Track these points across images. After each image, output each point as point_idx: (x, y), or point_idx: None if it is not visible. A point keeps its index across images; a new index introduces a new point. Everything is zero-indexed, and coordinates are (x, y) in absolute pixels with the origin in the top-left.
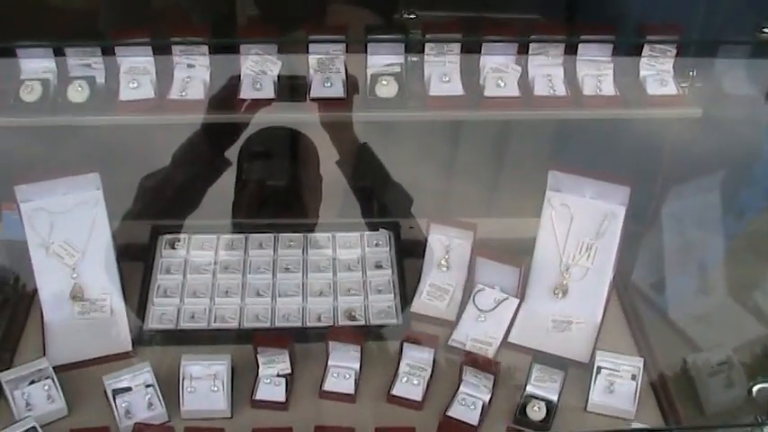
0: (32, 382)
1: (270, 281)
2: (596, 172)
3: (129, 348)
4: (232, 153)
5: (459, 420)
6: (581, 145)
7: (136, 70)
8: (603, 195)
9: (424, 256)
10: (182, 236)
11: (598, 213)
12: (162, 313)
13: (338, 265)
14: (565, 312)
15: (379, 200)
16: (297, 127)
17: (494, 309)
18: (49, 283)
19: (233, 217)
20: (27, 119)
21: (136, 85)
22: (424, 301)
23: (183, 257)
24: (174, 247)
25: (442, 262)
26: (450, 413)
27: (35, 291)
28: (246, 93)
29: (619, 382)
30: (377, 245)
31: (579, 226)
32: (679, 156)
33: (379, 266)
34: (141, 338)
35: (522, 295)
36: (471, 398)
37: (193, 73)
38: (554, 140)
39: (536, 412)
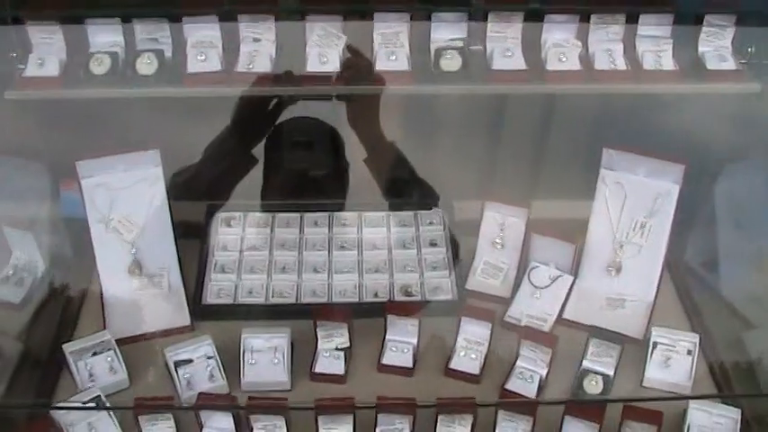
0: (95, 354)
1: (326, 258)
2: (650, 150)
3: (188, 322)
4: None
5: (518, 393)
6: (637, 122)
7: (203, 44)
8: (657, 173)
9: (478, 236)
10: (237, 214)
11: (651, 191)
12: (219, 288)
13: (393, 242)
14: (618, 290)
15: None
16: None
17: (548, 286)
18: (109, 258)
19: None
20: (97, 90)
21: (203, 57)
22: (479, 279)
23: (239, 235)
24: (230, 225)
25: (497, 240)
26: (508, 386)
27: (94, 267)
28: (313, 66)
29: (675, 358)
30: (430, 224)
31: (633, 204)
32: (735, 133)
33: (433, 244)
34: (200, 313)
35: (576, 273)
36: (529, 371)
37: (260, 47)
38: (610, 118)
39: (593, 386)
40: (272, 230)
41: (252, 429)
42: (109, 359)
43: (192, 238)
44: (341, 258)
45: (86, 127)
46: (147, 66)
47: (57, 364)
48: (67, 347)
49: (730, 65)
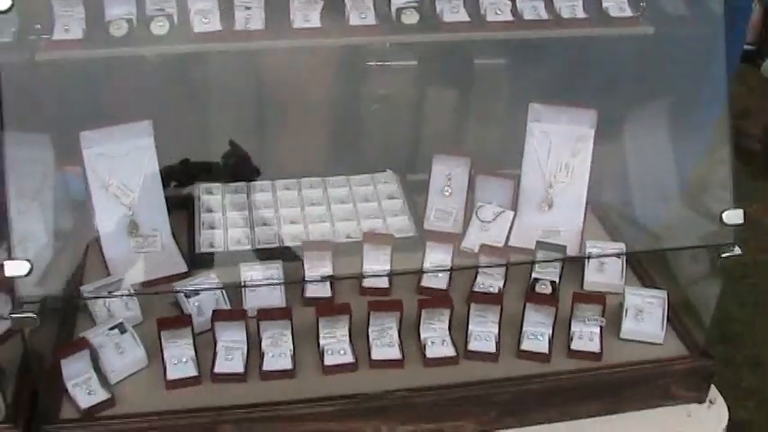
0: (110, 294)
1: (300, 213)
2: (569, 101)
3: (186, 269)
4: None
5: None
6: (558, 71)
7: (204, 11)
8: (576, 120)
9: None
10: (216, 184)
11: (572, 136)
12: (210, 241)
13: (355, 198)
14: (552, 221)
15: None
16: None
17: (494, 220)
18: (109, 220)
19: None
20: (118, 50)
21: (207, 20)
22: (432, 223)
23: (221, 200)
24: (211, 193)
25: (445, 189)
26: (475, 289)
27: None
28: (299, 24)
29: (608, 262)
30: (385, 182)
31: (557, 148)
32: (639, 76)
33: (390, 197)
34: (195, 261)
35: (515, 210)
36: (488, 283)
37: (251, 13)
38: (535, 67)
39: (544, 288)
40: (248, 196)
41: (261, 340)
42: (123, 297)
43: (178, 210)
44: (313, 212)
45: (91, 99)
46: (160, 27)
47: (72, 310)
48: (85, 288)
49: (628, 13)
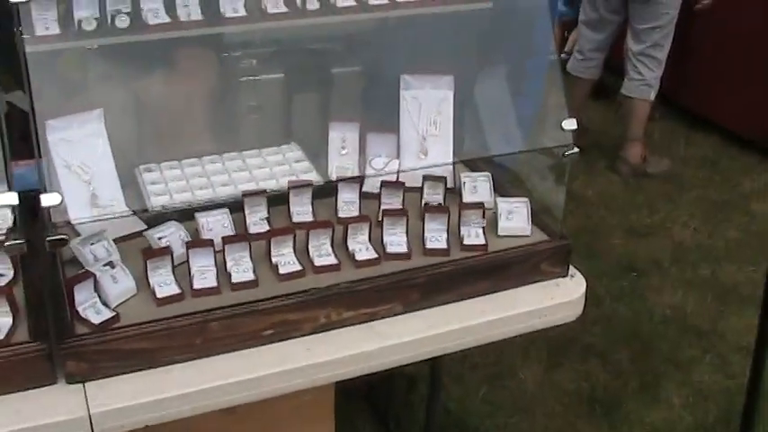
0: (92, 244)
1: (228, 178)
2: (431, 69)
3: (145, 226)
4: None
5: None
6: (417, 46)
7: (153, 9)
8: (438, 85)
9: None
10: (152, 164)
11: (436, 98)
12: (161, 204)
13: (270, 164)
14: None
15: None
16: None
17: (384, 167)
18: (74, 195)
19: None
20: (90, 41)
21: (156, 15)
22: (332, 179)
23: (162, 174)
24: (150, 171)
25: (342, 150)
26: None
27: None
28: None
29: (478, 185)
30: (291, 152)
31: (426, 108)
32: (483, 45)
33: (297, 161)
34: (150, 220)
35: (399, 159)
36: (389, 203)
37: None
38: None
39: (436, 204)
40: (182, 170)
41: (226, 262)
42: (104, 244)
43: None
44: (239, 177)
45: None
46: (122, 22)
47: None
48: (74, 241)
49: None
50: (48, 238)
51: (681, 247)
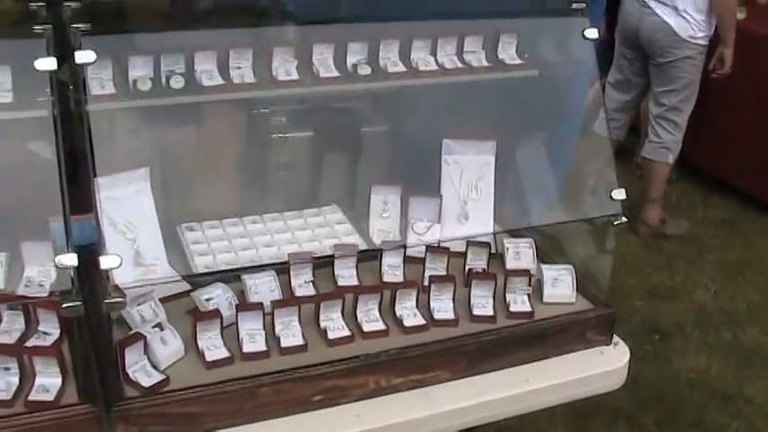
0: (139, 304)
1: (270, 239)
2: (473, 136)
3: (189, 287)
4: None
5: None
6: (463, 111)
7: (208, 71)
8: (479, 151)
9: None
10: (194, 223)
11: (478, 163)
12: (205, 265)
13: (311, 225)
14: (469, 231)
15: None
16: None
17: (426, 232)
18: (118, 252)
19: None
20: (145, 101)
21: (211, 77)
22: (374, 242)
23: (203, 234)
24: (192, 230)
25: (383, 213)
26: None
27: None
28: (281, 77)
29: (522, 251)
30: (332, 213)
31: (467, 173)
32: (527, 112)
33: (340, 223)
34: (194, 283)
35: (441, 223)
36: (434, 268)
37: (242, 71)
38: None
39: (481, 270)
40: (224, 229)
41: (274, 326)
42: (151, 305)
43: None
44: (281, 238)
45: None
46: (177, 82)
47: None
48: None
49: (518, 61)
50: (106, 301)
51: (703, 310)
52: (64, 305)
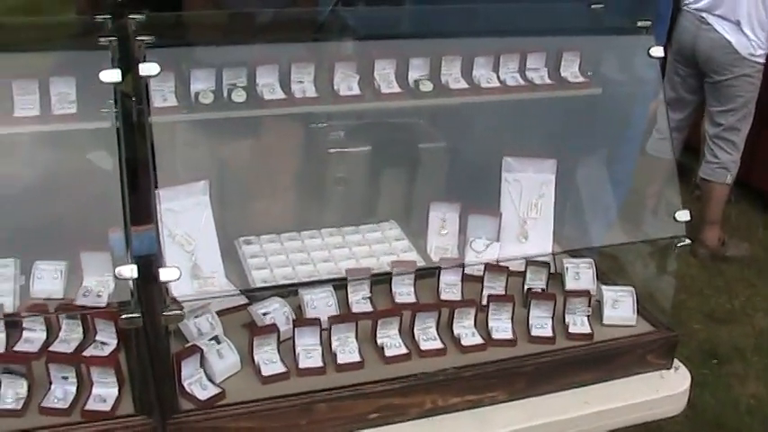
0: (197, 317)
1: (328, 254)
2: (533, 153)
3: (247, 301)
4: None
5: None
6: (523, 129)
7: (269, 84)
8: (539, 169)
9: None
10: (252, 237)
11: (538, 182)
12: (262, 279)
13: (369, 241)
14: (528, 250)
15: None
16: None
17: (485, 250)
18: (176, 264)
19: None
20: (206, 114)
21: (272, 91)
22: (432, 259)
23: (261, 249)
24: (250, 244)
25: (442, 230)
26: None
27: None
28: (344, 92)
29: (581, 272)
30: (390, 229)
31: (527, 192)
32: (588, 130)
33: (398, 239)
34: (252, 297)
35: (499, 241)
36: (492, 287)
37: (304, 86)
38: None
39: (540, 291)
40: (281, 243)
41: (330, 342)
42: (208, 318)
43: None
44: (338, 253)
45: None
46: (239, 96)
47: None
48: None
49: (581, 79)
50: (164, 313)
51: (763, 334)
52: (123, 316)
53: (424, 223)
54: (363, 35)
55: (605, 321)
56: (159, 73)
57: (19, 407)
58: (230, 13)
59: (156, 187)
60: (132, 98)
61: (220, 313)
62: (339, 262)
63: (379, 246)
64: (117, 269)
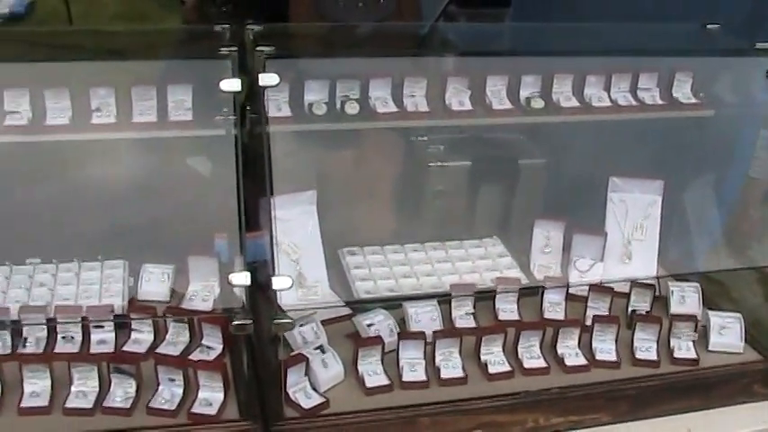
0: (302, 325)
1: (431, 269)
2: (640, 174)
3: (350, 311)
4: None
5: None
6: (631, 149)
7: (382, 97)
8: (646, 190)
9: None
10: (355, 248)
11: (644, 202)
12: (365, 290)
13: (472, 256)
14: (632, 272)
15: None
16: None
17: (589, 270)
18: (281, 273)
19: None
20: (317, 125)
21: (386, 104)
22: (536, 276)
23: (364, 260)
24: (353, 255)
25: (545, 248)
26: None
27: None
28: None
29: (687, 295)
30: (493, 245)
31: (632, 212)
32: (697, 152)
33: (501, 256)
34: (354, 307)
35: (603, 262)
36: (596, 307)
37: (416, 99)
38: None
39: (645, 313)
40: (385, 256)
41: (434, 356)
42: (313, 327)
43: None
44: (441, 268)
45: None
46: (352, 108)
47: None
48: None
49: (693, 100)
50: (274, 321)
51: None
52: (235, 323)
53: (524, 240)
54: (468, 50)
55: (711, 347)
56: (278, 83)
57: (128, 406)
58: (334, 25)
59: (273, 195)
60: (247, 107)
61: (322, 323)
62: (442, 276)
63: (483, 261)
64: (230, 276)
